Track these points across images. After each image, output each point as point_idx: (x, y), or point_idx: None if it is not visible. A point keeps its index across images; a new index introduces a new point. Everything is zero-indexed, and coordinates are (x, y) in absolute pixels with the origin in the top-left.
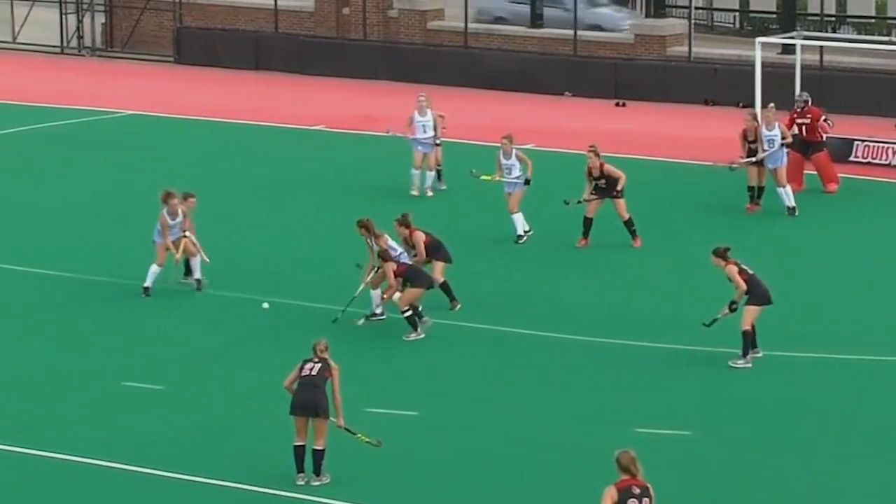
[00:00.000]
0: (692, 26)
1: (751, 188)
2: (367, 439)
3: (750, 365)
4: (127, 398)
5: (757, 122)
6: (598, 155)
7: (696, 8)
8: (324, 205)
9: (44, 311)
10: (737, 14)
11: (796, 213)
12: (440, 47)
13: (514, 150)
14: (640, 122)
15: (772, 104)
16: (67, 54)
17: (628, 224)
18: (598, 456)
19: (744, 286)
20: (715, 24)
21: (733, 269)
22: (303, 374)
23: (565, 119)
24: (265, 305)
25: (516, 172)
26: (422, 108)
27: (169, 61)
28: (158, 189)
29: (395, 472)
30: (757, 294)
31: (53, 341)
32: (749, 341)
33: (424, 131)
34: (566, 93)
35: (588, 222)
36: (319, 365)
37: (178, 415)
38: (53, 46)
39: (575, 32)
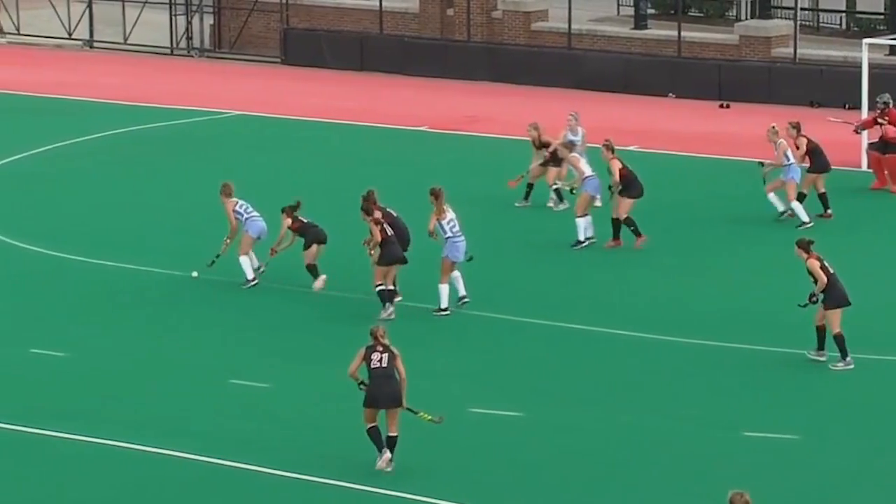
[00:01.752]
0: (798, 27)
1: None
2: (430, 417)
3: (852, 366)
4: (234, 396)
5: (797, 132)
6: (611, 150)
7: (802, 9)
8: (429, 207)
9: (155, 306)
10: (843, 15)
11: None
12: (543, 48)
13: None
14: (744, 124)
15: (774, 125)
16: (177, 55)
17: (627, 223)
18: (706, 460)
19: (824, 279)
20: (821, 24)
21: (815, 264)
22: (373, 365)
23: (668, 120)
24: (194, 274)
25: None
26: (573, 128)
27: (275, 62)
28: (265, 189)
29: (500, 473)
30: (832, 295)
31: (164, 338)
32: (841, 344)
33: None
34: (670, 94)
35: (617, 223)
36: (386, 355)
37: (286, 412)
38: (163, 47)
39: (679, 33)
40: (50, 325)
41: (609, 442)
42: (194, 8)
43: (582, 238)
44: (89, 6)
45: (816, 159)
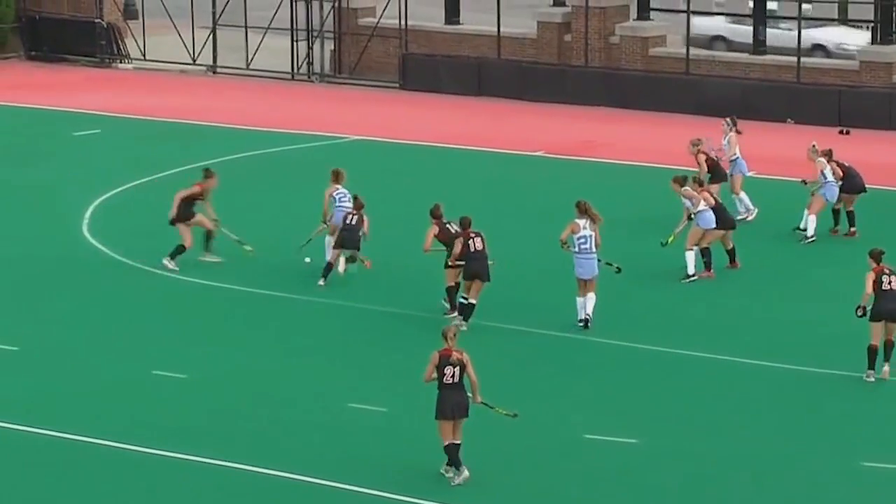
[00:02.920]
0: None
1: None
2: (505, 412)
3: (871, 379)
4: (352, 420)
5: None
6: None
7: None
8: (547, 232)
9: (275, 328)
10: None
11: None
12: (661, 73)
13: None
14: (865, 151)
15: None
16: (298, 80)
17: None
18: (825, 489)
19: (867, 291)
20: None
21: (870, 276)
22: (445, 380)
23: (787, 147)
24: (307, 260)
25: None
26: (727, 134)
27: (394, 87)
28: (385, 212)
29: (619, 500)
30: (875, 309)
31: (285, 360)
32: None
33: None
34: (788, 120)
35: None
36: (458, 368)
37: (406, 435)
38: (284, 73)
39: (798, 59)
40: (171, 346)
41: (728, 469)
42: (315, 34)
43: (692, 272)
44: (213, 32)
45: (848, 181)
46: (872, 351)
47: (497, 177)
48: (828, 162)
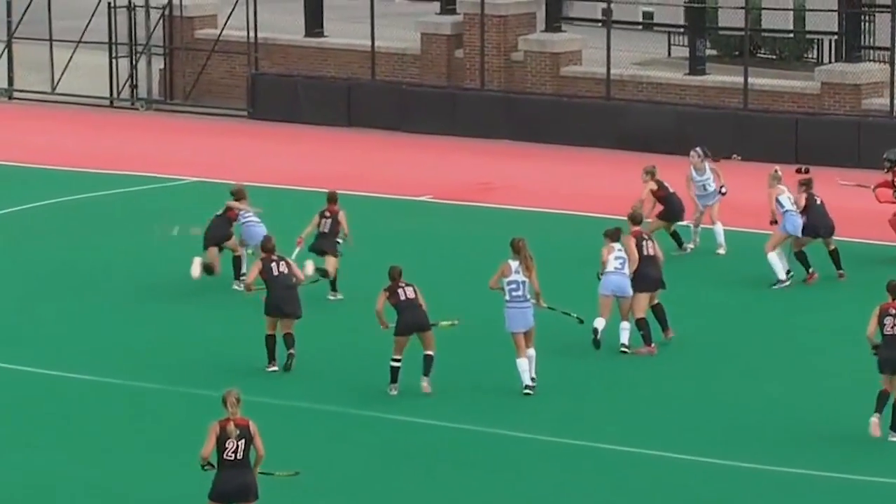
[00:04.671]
0: (895, 72)
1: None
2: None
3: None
4: None
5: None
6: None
7: None
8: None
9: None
10: None
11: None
12: (575, 98)
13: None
14: (827, 193)
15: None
16: (118, 107)
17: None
18: None
19: (869, 329)
20: None
21: (875, 311)
22: (226, 456)
23: (734, 189)
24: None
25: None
26: (697, 165)
27: (242, 115)
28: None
29: None
30: (881, 356)
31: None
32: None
33: (705, 189)
34: (734, 155)
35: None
36: (242, 441)
37: None
38: (101, 98)
39: (745, 81)
40: None
41: None
42: (140, 49)
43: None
44: (8, 47)
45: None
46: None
47: (373, 228)
48: (804, 191)
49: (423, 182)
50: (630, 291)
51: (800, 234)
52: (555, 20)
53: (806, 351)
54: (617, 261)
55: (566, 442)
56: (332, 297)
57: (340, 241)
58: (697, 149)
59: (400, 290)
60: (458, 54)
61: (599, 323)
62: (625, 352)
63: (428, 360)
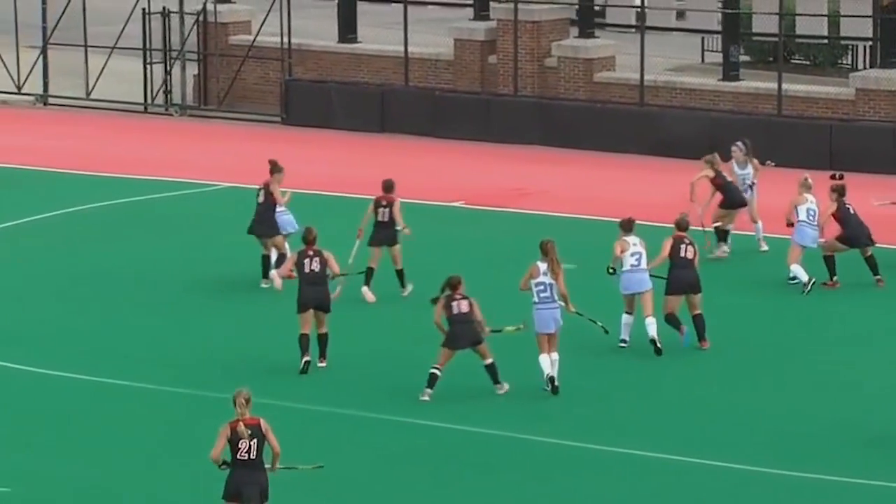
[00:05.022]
0: None
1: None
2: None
3: None
4: None
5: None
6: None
7: None
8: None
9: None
10: None
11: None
12: (609, 104)
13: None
14: (861, 199)
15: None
16: (152, 113)
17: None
18: None
19: None
20: None
21: None
22: (239, 456)
23: (765, 194)
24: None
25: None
26: (740, 161)
27: (275, 121)
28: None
29: None
30: None
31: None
32: None
33: (744, 182)
34: (768, 162)
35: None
36: (254, 441)
37: None
38: (135, 104)
39: (779, 87)
40: None
41: None
42: (175, 55)
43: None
44: (43, 53)
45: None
46: None
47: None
48: (835, 200)
49: (456, 188)
50: (650, 284)
51: (811, 245)
52: (588, 26)
53: (835, 358)
54: (633, 258)
55: (589, 447)
56: (403, 293)
57: (399, 229)
58: (740, 143)
59: (454, 304)
60: (491, 60)
61: (627, 320)
62: (655, 343)
63: (489, 369)
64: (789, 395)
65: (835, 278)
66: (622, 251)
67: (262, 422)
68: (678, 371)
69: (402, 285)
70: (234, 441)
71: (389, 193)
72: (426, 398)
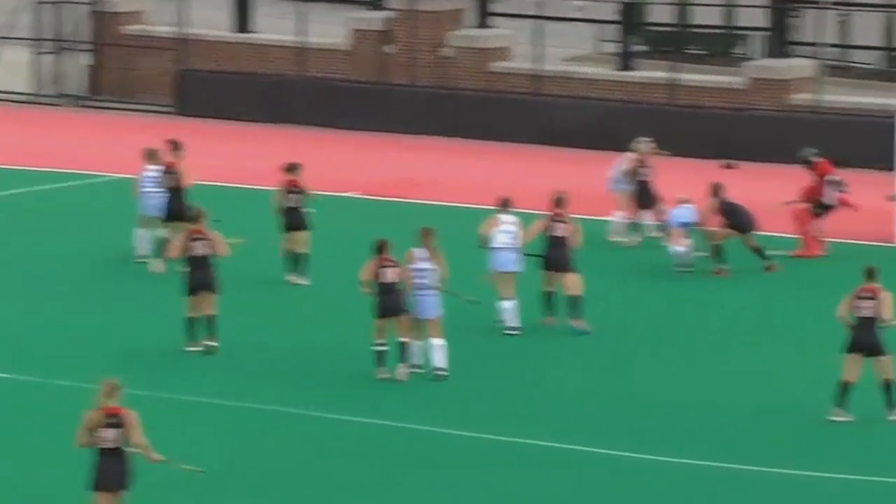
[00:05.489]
0: (822, 68)
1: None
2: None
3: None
4: None
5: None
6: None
7: (828, 45)
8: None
9: None
10: (878, 53)
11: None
12: (504, 94)
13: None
14: (755, 188)
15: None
16: (42, 104)
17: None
18: None
19: (842, 310)
20: (851, 64)
21: (850, 293)
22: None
23: (660, 185)
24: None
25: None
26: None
27: (169, 112)
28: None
29: None
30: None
31: None
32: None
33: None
34: (662, 152)
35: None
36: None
37: None
38: (25, 94)
39: (673, 77)
40: None
41: None
42: (65, 44)
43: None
44: None
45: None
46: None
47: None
48: (716, 193)
49: (350, 178)
50: (519, 266)
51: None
52: (484, 15)
53: (736, 343)
54: (506, 235)
55: (482, 437)
56: (296, 279)
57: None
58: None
59: (383, 271)
60: (387, 50)
61: (507, 305)
62: (511, 334)
63: (402, 347)
64: (680, 382)
65: (725, 266)
66: (492, 227)
67: (128, 413)
68: (563, 358)
69: (299, 273)
70: (93, 429)
71: (293, 176)
72: (385, 376)
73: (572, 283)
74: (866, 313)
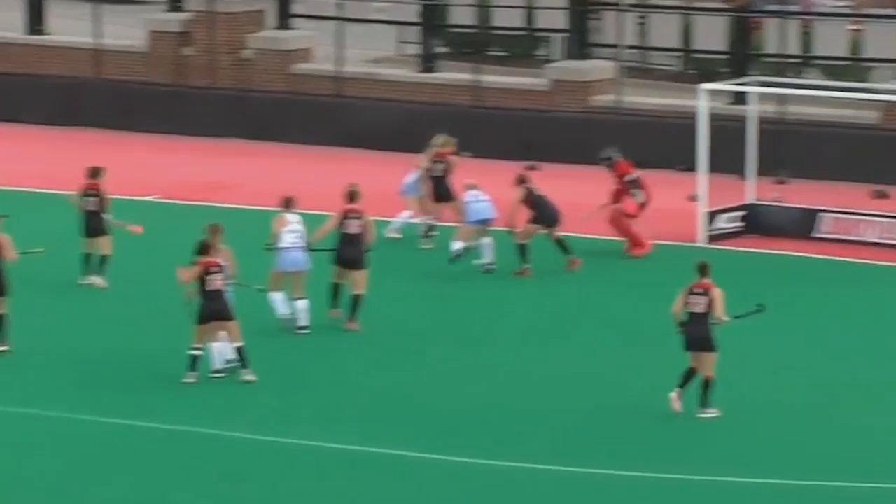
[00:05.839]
0: (623, 70)
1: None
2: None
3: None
4: None
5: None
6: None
7: (628, 47)
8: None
9: None
10: (678, 55)
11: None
12: (306, 96)
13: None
14: (557, 189)
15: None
16: None
17: None
18: None
19: (676, 306)
20: (651, 66)
21: (683, 290)
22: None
23: (457, 187)
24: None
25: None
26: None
27: None
28: None
29: None
30: (688, 336)
31: None
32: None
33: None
34: (465, 152)
35: None
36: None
37: None
38: None
39: (477, 78)
40: None
41: None
42: None
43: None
44: None
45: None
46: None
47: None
48: (522, 187)
49: (151, 182)
50: (306, 265)
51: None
52: (285, 17)
53: (534, 343)
54: (292, 235)
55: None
56: (93, 281)
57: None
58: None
59: (209, 278)
60: (186, 52)
61: (277, 296)
62: (304, 332)
63: (238, 352)
64: (474, 382)
65: (527, 266)
66: (281, 226)
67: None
68: (357, 358)
69: (98, 274)
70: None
71: (95, 180)
72: (191, 380)
73: (359, 280)
74: (698, 309)
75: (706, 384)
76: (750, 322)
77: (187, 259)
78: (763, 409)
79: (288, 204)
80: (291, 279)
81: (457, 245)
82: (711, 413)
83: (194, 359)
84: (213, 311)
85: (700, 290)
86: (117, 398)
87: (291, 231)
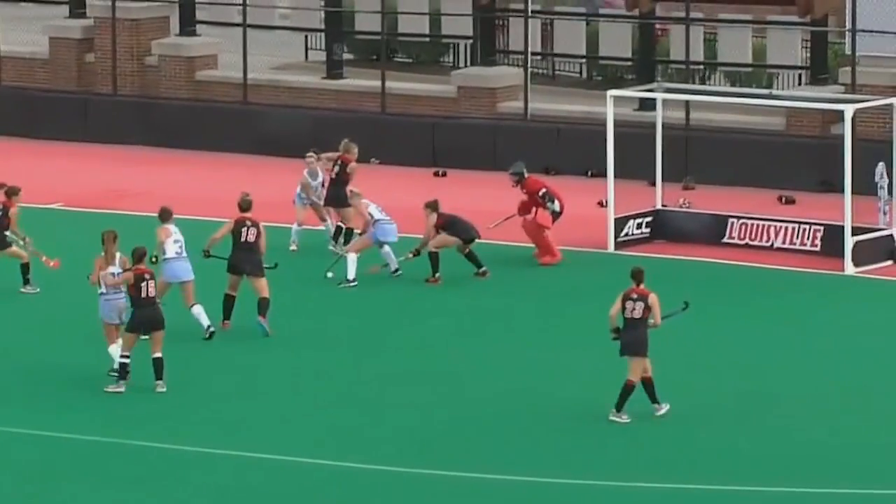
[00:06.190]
0: (529, 77)
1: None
2: None
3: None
4: None
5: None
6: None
7: (534, 54)
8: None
9: None
10: (584, 62)
11: None
12: (212, 103)
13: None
14: (463, 196)
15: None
16: None
17: None
18: None
19: (612, 311)
20: (557, 73)
21: (619, 296)
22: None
23: (371, 193)
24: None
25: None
26: (313, 170)
27: None
28: None
29: None
30: (624, 341)
31: None
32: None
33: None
34: (372, 159)
35: None
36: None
37: None
38: None
39: (382, 84)
40: None
41: None
42: None
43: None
44: None
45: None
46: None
47: None
48: (432, 211)
49: (54, 190)
50: (192, 273)
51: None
52: (189, 23)
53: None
54: (176, 245)
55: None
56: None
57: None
58: (311, 152)
59: (144, 285)
60: (89, 59)
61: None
62: (212, 334)
63: (156, 363)
64: (385, 385)
65: (437, 275)
66: (166, 237)
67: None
68: (264, 365)
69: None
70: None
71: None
72: (121, 389)
73: (260, 286)
74: (635, 314)
75: (625, 389)
76: (662, 328)
77: (89, 267)
78: (681, 415)
79: (167, 216)
80: (180, 289)
81: (351, 274)
82: (624, 419)
83: (123, 366)
84: (145, 318)
85: (636, 296)
86: (29, 406)
87: (176, 241)
